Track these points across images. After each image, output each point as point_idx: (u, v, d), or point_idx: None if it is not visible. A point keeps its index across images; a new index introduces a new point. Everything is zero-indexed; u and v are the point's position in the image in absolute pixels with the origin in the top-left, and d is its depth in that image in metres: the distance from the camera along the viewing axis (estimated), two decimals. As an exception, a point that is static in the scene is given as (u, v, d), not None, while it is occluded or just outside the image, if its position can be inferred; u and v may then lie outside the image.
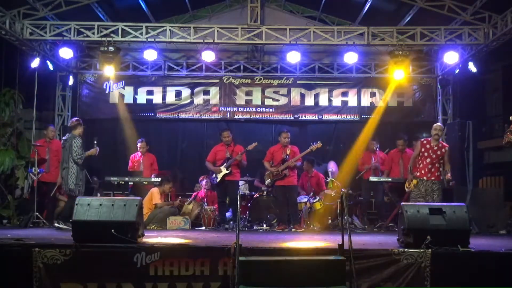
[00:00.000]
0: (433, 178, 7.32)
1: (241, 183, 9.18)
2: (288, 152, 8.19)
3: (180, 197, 9.17)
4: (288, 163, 8.09)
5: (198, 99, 10.76)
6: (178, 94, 10.79)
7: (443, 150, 7.42)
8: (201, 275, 4.84)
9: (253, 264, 4.45)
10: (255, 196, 8.64)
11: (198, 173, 9.62)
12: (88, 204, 5.18)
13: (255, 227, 8.21)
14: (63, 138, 7.86)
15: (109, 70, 9.06)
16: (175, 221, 8.12)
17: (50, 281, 4.76)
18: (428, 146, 7.42)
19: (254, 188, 9.49)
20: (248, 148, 8.33)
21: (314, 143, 8.26)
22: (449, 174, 7.36)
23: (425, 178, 7.32)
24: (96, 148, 7.81)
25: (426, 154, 7.40)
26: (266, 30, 8.92)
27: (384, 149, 9.18)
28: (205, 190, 9.04)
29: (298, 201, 8.49)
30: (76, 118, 8.08)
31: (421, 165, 7.41)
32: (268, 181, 8.35)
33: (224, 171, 8.24)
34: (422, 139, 7.65)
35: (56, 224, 7.36)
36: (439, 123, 7.72)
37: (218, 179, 8.29)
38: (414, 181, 7.35)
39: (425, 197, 7.26)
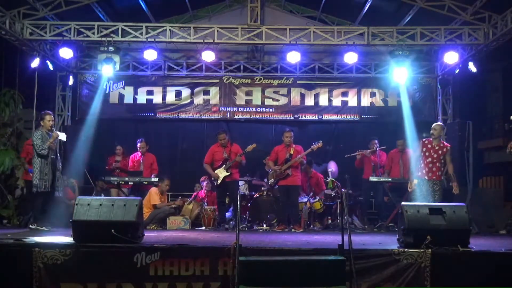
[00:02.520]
0: (434, 177, 7.25)
1: (241, 183, 9.18)
2: (291, 151, 8.18)
3: (180, 197, 9.17)
4: (290, 162, 8.09)
5: (198, 99, 10.74)
6: (178, 94, 10.77)
7: (444, 149, 7.35)
8: (201, 275, 4.84)
9: (253, 264, 4.45)
10: (255, 196, 8.64)
11: (198, 173, 9.60)
12: (88, 204, 5.17)
13: (255, 227, 8.23)
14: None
15: (109, 70, 9.03)
16: (175, 221, 8.14)
17: (50, 281, 4.76)
18: (429, 145, 7.36)
19: (253, 186, 9.48)
20: (246, 150, 8.29)
21: (315, 142, 8.25)
22: (455, 186, 7.31)
23: (426, 178, 7.24)
24: (55, 131, 7.27)
25: (427, 153, 7.33)
26: (266, 30, 8.93)
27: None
28: (205, 190, 9.05)
29: (298, 201, 8.48)
30: (42, 112, 7.46)
31: (422, 165, 7.33)
32: (271, 180, 8.35)
33: (224, 173, 8.22)
34: (424, 139, 7.59)
35: (30, 226, 7.00)
36: (438, 123, 7.68)
37: (219, 182, 8.28)
38: (415, 181, 7.29)
39: (426, 197, 7.19)
